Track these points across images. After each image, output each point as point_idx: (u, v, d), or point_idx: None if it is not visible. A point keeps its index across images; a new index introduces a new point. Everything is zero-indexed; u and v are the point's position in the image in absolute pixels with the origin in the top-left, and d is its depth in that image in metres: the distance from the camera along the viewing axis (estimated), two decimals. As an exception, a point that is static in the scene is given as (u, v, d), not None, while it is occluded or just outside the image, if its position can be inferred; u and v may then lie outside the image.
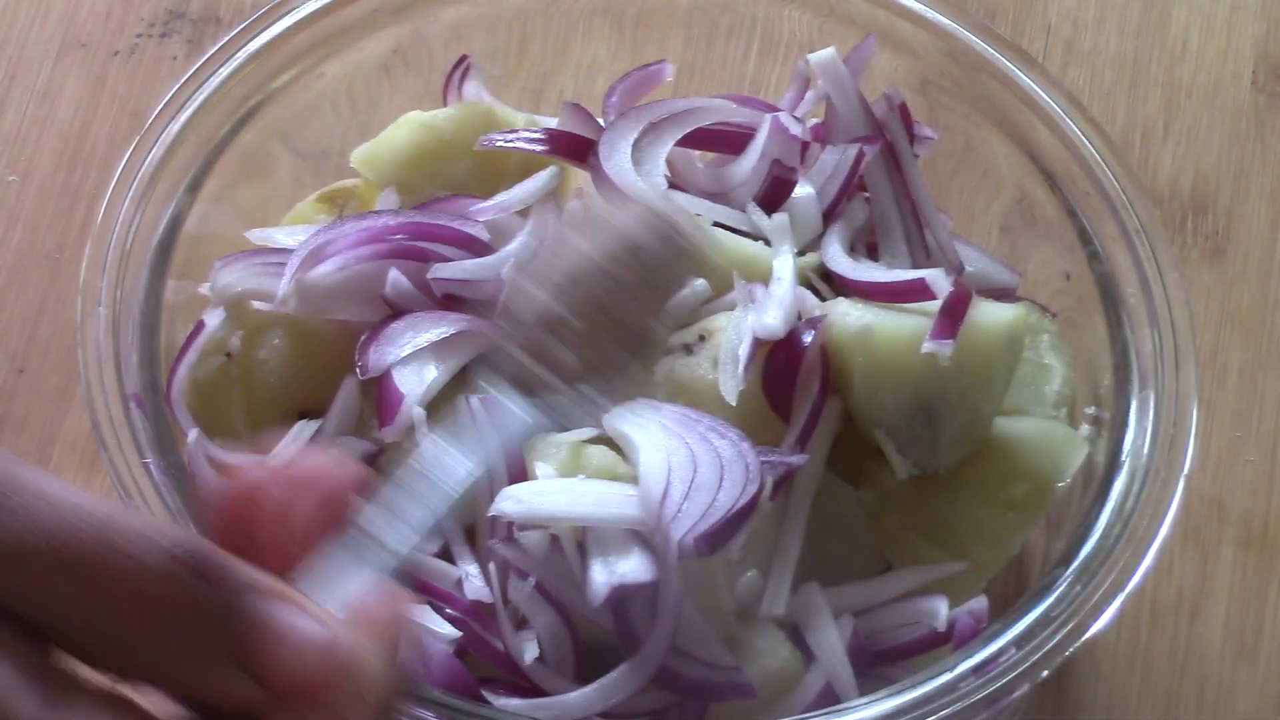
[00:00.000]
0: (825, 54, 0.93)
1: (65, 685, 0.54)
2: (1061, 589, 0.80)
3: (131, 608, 0.55)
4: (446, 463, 0.69)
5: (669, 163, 0.92)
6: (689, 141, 0.93)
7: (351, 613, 0.60)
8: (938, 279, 0.85)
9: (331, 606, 0.60)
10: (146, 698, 0.56)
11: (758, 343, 0.84)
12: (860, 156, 0.92)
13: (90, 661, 0.56)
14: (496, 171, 0.93)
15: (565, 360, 0.75)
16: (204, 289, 0.89)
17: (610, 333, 0.76)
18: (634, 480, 0.80)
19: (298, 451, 0.63)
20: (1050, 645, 0.78)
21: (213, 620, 0.56)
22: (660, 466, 0.79)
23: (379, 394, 0.84)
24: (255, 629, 0.56)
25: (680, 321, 0.86)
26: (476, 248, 0.88)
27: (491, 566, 0.82)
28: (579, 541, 0.80)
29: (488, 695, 0.80)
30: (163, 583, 0.55)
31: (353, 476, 0.63)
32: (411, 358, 0.84)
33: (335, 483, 0.62)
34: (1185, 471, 0.83)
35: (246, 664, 0.56)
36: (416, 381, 0.83)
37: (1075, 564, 0.81)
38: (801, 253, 0.90)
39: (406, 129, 0.93)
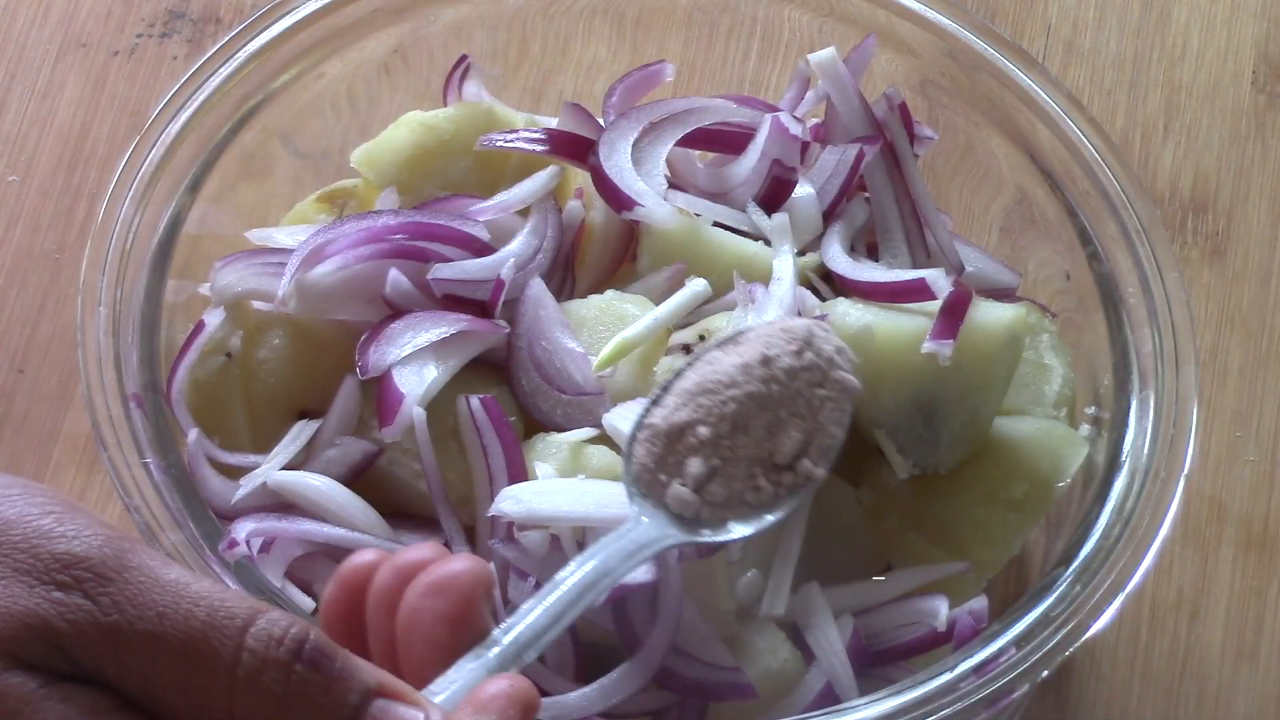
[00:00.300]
0: (825, 54, 0.93)
1: None
2: (1061, 589, 0.80)
3: (242, 694, 0.55)
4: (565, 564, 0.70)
5: (669, 163, 0.92)
6: (689, 141, 0.93)
7: (472, 704, 0.59)
8: (938, 279, 0.85)
9: (447, 699, 0.60)
10: None
11: (758, 343, 0.83)
12: (860, 156, 0.92)
13: None
14: (496, 171, 0.93)
15: (690, 468, 0.76)
16: (204, 289, 0.89)
17: (740, 445, 0.77)
18: (634, 480, 0.80)
19: (412, 546, 0.63)
20: (1050, 645, 0.78)
21: (325, 713, 0.55)
22: (660, 466, 0.79)
23: (379, 394, 0.84)
24: None
25: (683, 324, 0.86)
26: (476, 247, 0.88)
27: (492, 566, 0.82)
28: (579, 541, 0.80)
29: (488, 695, 0.80)
30: (277, 673, 0.55)
31: (465, 570, 0.62)
32: (411, 358, 0.84)
33: (446, 575, 0.62)
34: (1185, 471, 0.83)
35: None
36: (416, 381, 0.83)
37: (1075, 564, 0.81)
38: (801, 253, 0.90)
39: (406, 129, 0.93)
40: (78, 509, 0.56)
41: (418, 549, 0.62)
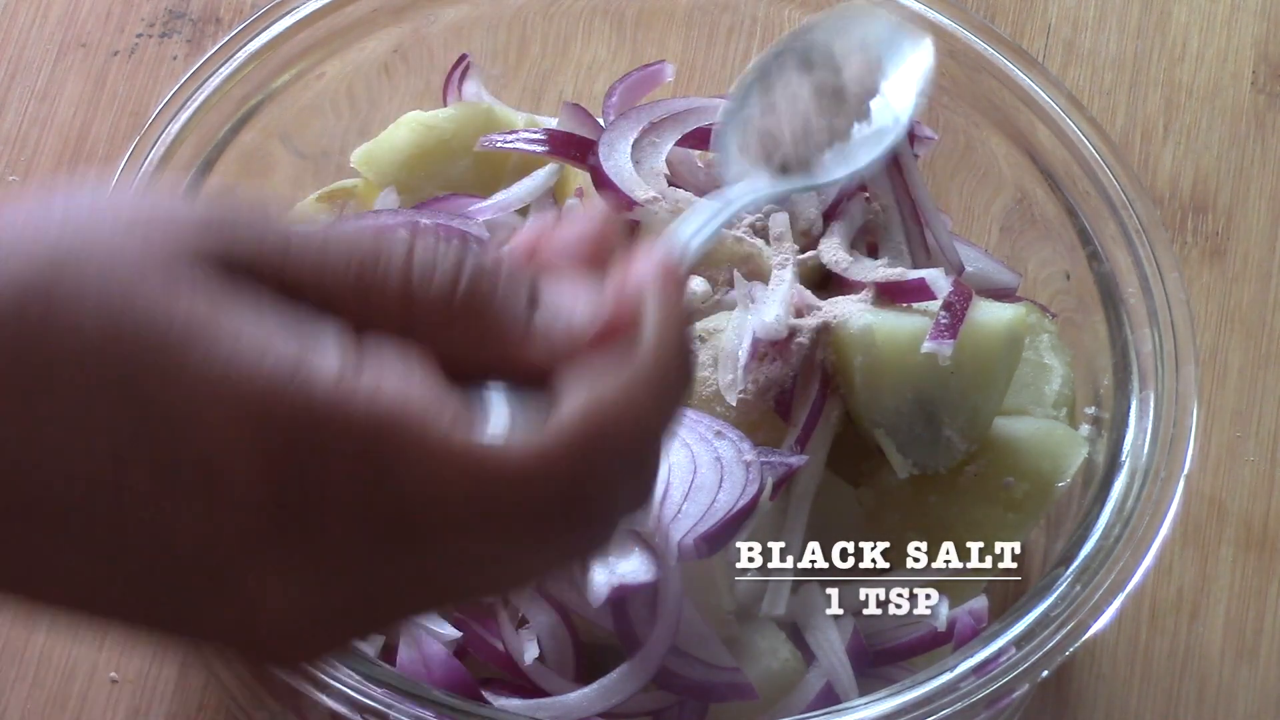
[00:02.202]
0: (825, 54, 0.93)
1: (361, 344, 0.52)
2: (1061, 589, 0.80)
3: (416, 295, 0.52)
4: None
5: (669, 163, 0.92)
6: (689, 141, 0.93)
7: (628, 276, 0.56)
8: (938, 279, 0.85)
9: None
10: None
11: (758, 342, 0.84)
12: (860, 156, 0.92)
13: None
14: (496, 171, 0.93)
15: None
16: (204, 289, 0.89)
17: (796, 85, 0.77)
18: (634, 480, 0.80)
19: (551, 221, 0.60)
20: (1050, 645, 0.78)
21: (501, 313, 0.53)
22: (660, 467, 0.79)
23: (379, 394, 0.84)
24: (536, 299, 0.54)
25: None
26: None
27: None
28: (579, 541, 0.80)
29: (488, 695, 0.80)
30: (448, 277, 0.53)
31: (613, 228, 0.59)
32: (411, 358, 0.84)
33: (599, 238, 0.58)
34: (1185, 471, 0.83)
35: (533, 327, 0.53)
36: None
37: (1075, 564, 0.81)
38: (802, 252, 0.90)
39: (406, 129, 0.93)
40: None
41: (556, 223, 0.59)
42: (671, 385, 0.54)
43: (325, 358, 0.50)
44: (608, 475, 0.52)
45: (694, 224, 0.63)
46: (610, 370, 0.53)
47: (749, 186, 0.72)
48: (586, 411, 0.52)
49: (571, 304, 0.55)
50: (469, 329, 0.53)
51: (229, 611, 0.51)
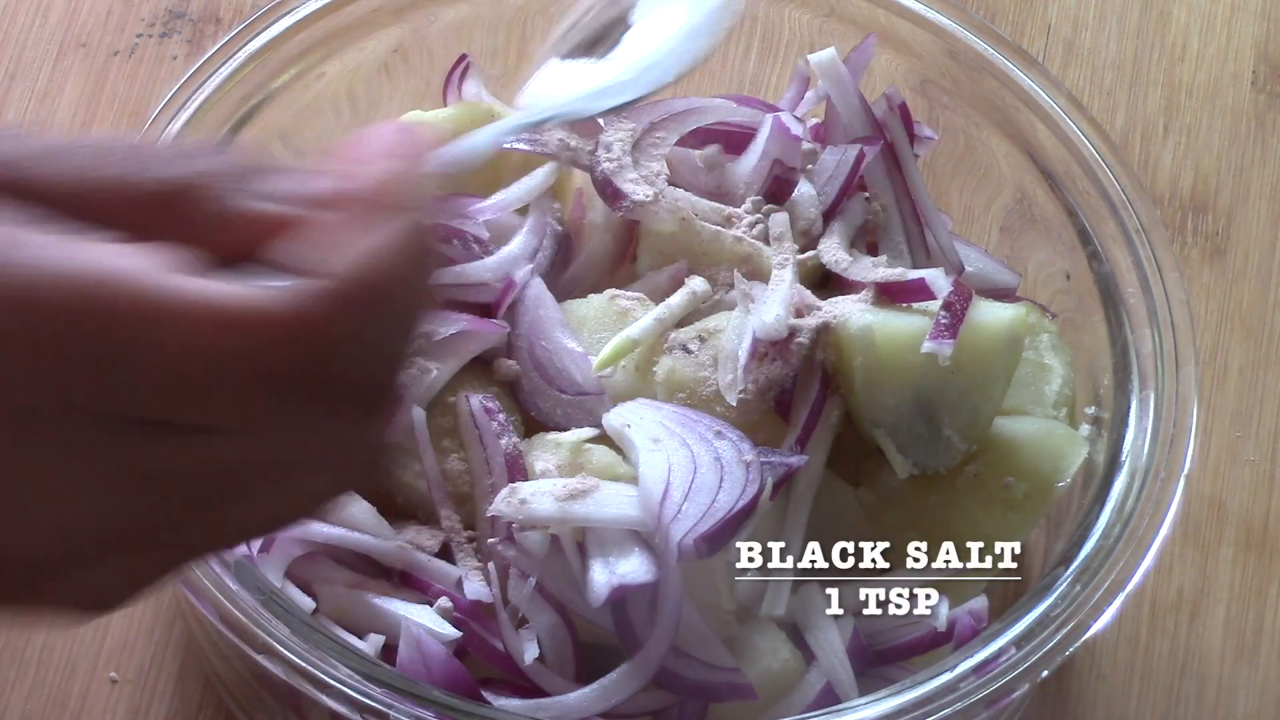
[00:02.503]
0: (825, 54, 0.93)
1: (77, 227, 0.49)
2: (1061, 589, 0.80)
3: (139, 190, 0.51)
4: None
5: (669, 163, 0.92)
6: (689, 141, 0.93)
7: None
8: (938, 279, 0.85)
9: None
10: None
11: (758, 342, 0.84)
12: (861, 157, 0.92)
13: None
14: (496, 171, 0.93)
15: None
16: (204, 289, 0.89)
17: None
18: (634, 480, 0.80)
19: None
20: (1050, 645, 0.78)
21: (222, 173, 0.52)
22: (660, 467, 0.79)
23: (379, 394, 0.84)
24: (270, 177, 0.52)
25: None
26: (476, 247, 0.88)
27: (491, 566, 0.82)
28: (579, 542, 0.80)
29: (488, 695, 0.80)
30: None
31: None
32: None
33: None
34: (1185, 471, 0.83)
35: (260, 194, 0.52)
36: (416, 382, 0.83)
37: (1075, 564, 0.81)
38: (802, 252, 0.90)
39: (406, 129, 0.93)
40: None
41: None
42: (405, 238, 0.52)
43: (36, 233, 0.48)
44: (345, 331, 0.50)
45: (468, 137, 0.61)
46: (345, 232, 0.51)
47: (543, 102, 0.69)
48: (317, 271, 0.50)
49: (300, 180, 0.53)
50: (193, 210, 0.51)
51: (15, 546, 0.49)
